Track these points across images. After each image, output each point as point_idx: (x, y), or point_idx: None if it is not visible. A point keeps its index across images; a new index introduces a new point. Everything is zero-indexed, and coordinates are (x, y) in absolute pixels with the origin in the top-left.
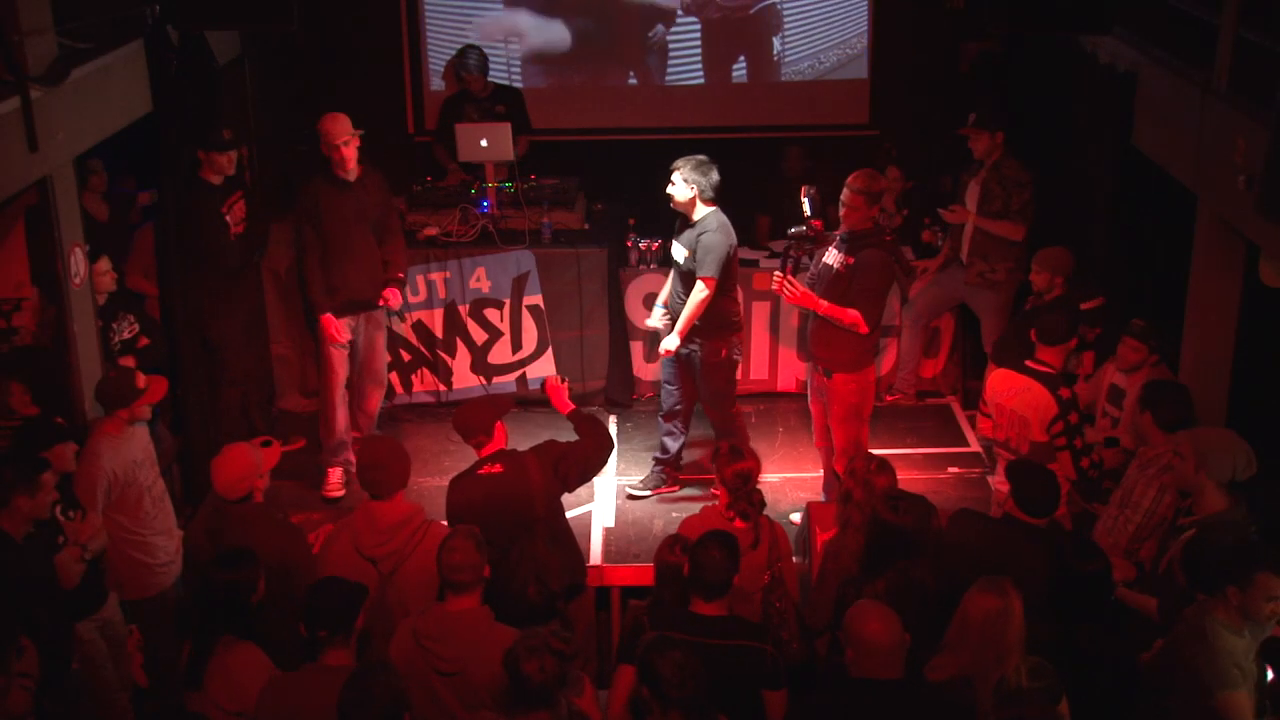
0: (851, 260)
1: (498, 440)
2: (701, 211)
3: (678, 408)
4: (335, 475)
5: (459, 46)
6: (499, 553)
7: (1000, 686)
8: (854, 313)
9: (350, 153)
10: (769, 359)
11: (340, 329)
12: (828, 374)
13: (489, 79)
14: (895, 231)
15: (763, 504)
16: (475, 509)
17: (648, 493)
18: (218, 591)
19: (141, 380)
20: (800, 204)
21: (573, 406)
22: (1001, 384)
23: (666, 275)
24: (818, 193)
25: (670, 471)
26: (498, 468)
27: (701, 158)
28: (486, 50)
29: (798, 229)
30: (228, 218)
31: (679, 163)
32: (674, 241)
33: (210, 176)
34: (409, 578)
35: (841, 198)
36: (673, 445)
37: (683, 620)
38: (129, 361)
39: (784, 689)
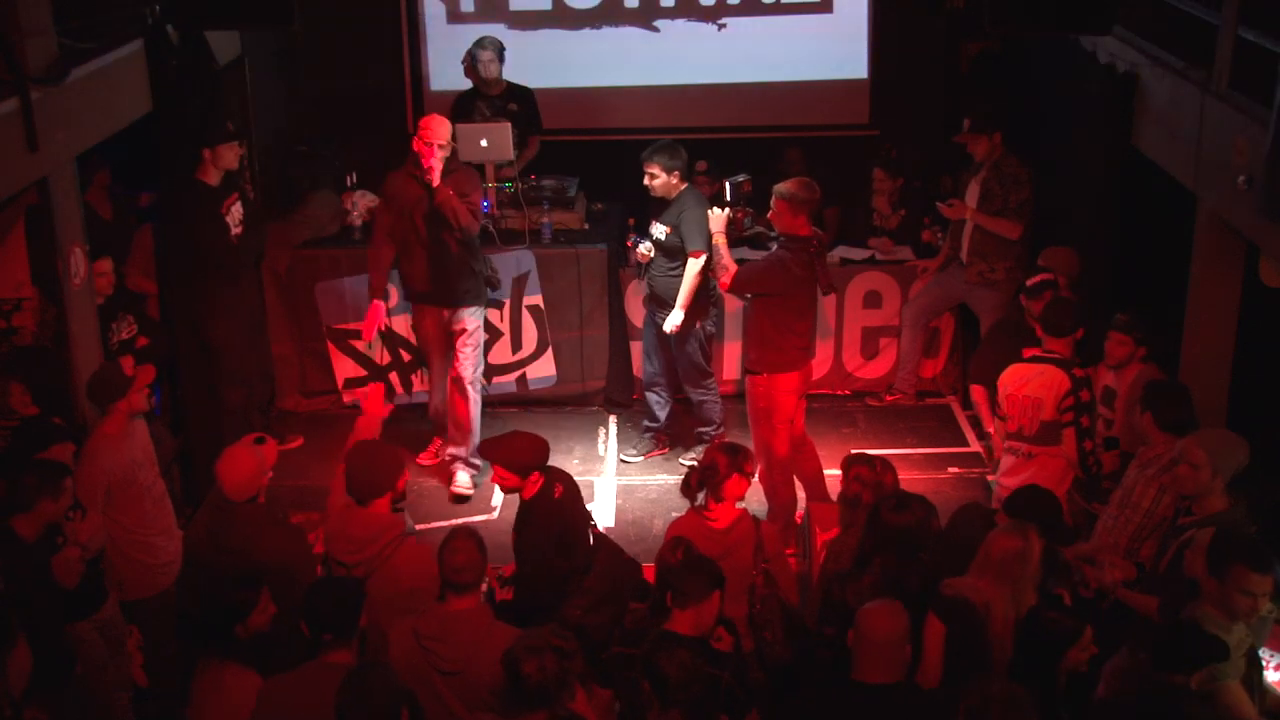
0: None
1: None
2: (679, 190)
3: (659, 378)
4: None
5: (459, 47)
6: (572, 569)
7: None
8: (730, 275)
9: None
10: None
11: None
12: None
13: (502, 77)
14: (818, 244)
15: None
16: (560, 531)
17: (640, 458)
18: (217, 611)
19: (129, 368)
20: (723, 189)
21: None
22: (1012, 376)
23: None
24: (746, 183)
25: (661, 436)
26: (559, 489)
27: (667, 141)
28: None
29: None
30: (227, 219)
31: (647, 154)
32: (654, 222)
33: (208, 178)
34: (372, 590)
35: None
36: (661, 413)
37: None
38: (127, 361)
39: (749, 713)
